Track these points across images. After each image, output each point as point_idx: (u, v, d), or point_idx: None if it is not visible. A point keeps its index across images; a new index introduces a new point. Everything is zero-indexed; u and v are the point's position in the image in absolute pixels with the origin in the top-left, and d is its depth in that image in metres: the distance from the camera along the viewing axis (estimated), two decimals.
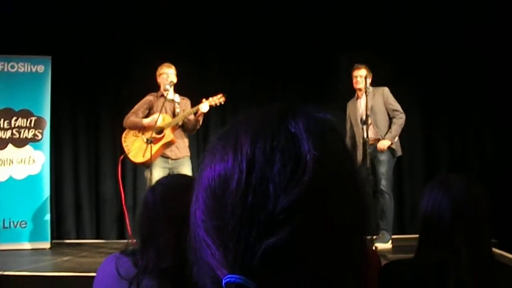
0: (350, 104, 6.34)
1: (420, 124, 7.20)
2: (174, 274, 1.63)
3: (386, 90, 6.10)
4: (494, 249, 1.95)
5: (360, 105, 6.10)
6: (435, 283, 1.80)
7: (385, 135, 5.94)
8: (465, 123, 7.27)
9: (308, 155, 0.68)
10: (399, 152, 6.07)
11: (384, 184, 5.86)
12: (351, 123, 6.21)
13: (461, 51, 7.03)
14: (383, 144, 5.88)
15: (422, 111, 7.20)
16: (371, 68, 6.12)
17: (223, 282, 0.66)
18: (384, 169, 5.90)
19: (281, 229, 0.65)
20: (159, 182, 1.88)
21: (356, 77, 6.13)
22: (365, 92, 5.94)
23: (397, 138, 5.99)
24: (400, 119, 5.98)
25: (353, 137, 6.12)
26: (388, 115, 6.03)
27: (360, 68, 6.11)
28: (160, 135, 5.74)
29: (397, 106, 6.03)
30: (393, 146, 5.93)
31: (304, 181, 0.66)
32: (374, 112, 5.98)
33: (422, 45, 7.09)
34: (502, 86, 6.94)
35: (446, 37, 7.04)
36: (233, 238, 0.66)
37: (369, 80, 6.07)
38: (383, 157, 5.92)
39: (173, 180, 1.88)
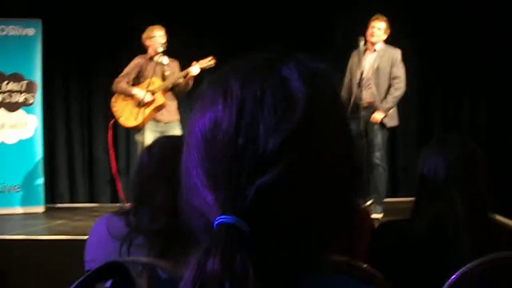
0: (354, 55, 5.69)
1: (414, 91, 7.15)
2: (166, 235, 1.64)
3: (398, 52, 5.55)
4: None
5: (366, 62, 5.51)
6: (431, 240, 1.81)
7: (380, 104, 5.46)
8: (459, 90, 7.26)
9: (299, 94, 0.67)
10: (394, 122, 5.64)
11: (378, 156, 5.51)
12: (350, 77, 5.67)
13: (455, 19, 6.98)
14: (376, 117, 5.43)
15: (417, 78, 7.13)
16: (390, 24, 5.59)
17: (215, 223, 0.65)
18: (377, 140, 5.50)
19: (272, 169, 0.64)
20: (156, 142, 1.88)
21: (374, 27, 5.51)
22: (374, 50, 5.53)
23: (395, 110, 5.58)
24: (398, 90, 5.47)
25: (350, 89, 5.59)
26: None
27: (380, 20, 5.51)
28: (151, 98, 5.72)
29: (401, 74, 5.51)
30: (385, 120, 5.49)
31: (295, 119, 0.66)
32: (377, 74, 5.51)
33: (419, 10, 7.03)
34: (496, 53, 6.92)
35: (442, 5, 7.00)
36: (224, 180, 0.66)
37: (384, 36, 5.56)
38: (376, 128, 5.48)
39: (170, 140, 1.88)
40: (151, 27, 5.87)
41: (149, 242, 1.67)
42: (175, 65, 5.93)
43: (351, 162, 0.73)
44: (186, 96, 6.04)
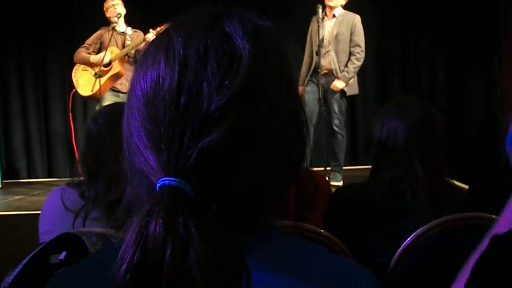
0: (314, 21, 5.52)
1: (373, 58, 7.18)
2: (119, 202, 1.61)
3: (357, 19, 5.44)
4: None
5: (325, 28, 5.40)
6: (389, 202, 1.83)
7: (341, 73, 5.39)
8: (418, 56, 7.32)
9: (243, 52, 0.65)
10: (354, 91, 5.59)
11: (336, 123, 5.46)
12: (311, 43, 5.57)
13: None
14: (337, 86, 5.35)
15: (376, 44, 7.14)
16: None
17: (157, 185, 0.63)
18: (336, 108, 5.43)
19: (216, 129, 0.63)
20: (100, 111, 1.83)
21: None
22: (334, 15, 5.42)
23: (355, 78, 5.54)
24: (359, 60, 5.40)
25: (311, 55, 5.51)
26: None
27: None
28: (108, 67, 5.66)
29: (361, 42, 5.42)
30: (345, 89, 5.42)
31: (239, 77, 0.64)
32: (337, 41, 5.40)
33: None
34: (453, 16, 6.99)
35: None
36: (166, 140, 0.64)
37: (343, 1, 5.45)
38: (336, 96, 5.42)
39: (115, 107, 1.83)
40: None
41: (106, 214, 1.64)
42: (139, 35, 5.85)
43: (296, 122, 0.72)
44: None
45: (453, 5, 6.93)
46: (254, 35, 0.68)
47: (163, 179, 0.63)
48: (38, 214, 1.80)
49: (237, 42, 0.66)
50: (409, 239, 1.66)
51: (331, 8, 5.44)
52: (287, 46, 0.74)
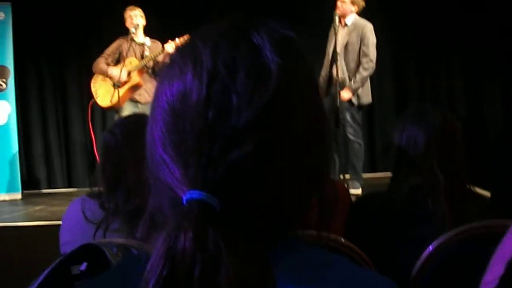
0: (332, 31, 5.44)
1: (390, 65, 7.16)
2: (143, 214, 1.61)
3: (367, 27, 5.35)
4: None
5: (339, 37, 5.30)
6: (410, 211, 1.82)
7: (349, 83, 5.34)
8: (434, 62, 7.28)
9: (272, 64, 0.65)
10: (368, 100, 5.52)
11: (351, 131, 5.42)
12: (328, 50, 5.52)
13: None
14: (344, 96, 5.27)
15: (392, 52, 7.12)
16: None
17: (184, 199, 0.62)
18: (347, 117, 5.39)
19: (245, 142, 0.62)
20: (117, 123, 1.85)
21: (337, 1, 5.34)
22: (346, 24, 5.35)
23: (368, 84, 5.47)
24: (367, 70, 5.33)
25: (327, 65, 5.49)
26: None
27: None
28: (127, 78, 5.68)
29: (371, 52, 5.33)
30: (353, 99, 5.38)
31: (269, 91, 0.63)
32: (347, 50, 5.36)
33: None
34: (469, 21, 6.94)
35: None
36: (194, 154, 0.63)
37: (354, 9, 5.36)
38: (345, 105, 5.36)
39: (132, 119, 1.85)
40: (128, 7, 5.82)
41: (127, 224, 1.65)
42: (157, 46, 5.86)
43: (320, 132, 0.72)
44: None
45: (470, 11, 6.90)
46: (282, 47, 0.68)
47: (191, 192, 0.62)
48: (59, 224, 1.81)
49: (266, 54, 0.66)
50: (430, 247, 1.65)
51: (341, 17, 5.37)
52: (310, 56, 0.74)
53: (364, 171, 5.84)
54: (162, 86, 0.69)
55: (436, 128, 1.85)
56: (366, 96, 5.51)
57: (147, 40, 5.87)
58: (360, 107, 5.54)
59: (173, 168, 0.65)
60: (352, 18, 5.43)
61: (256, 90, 0.63)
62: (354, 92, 5.36)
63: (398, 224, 1.83)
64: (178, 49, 0.72)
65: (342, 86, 5.34)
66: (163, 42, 5.73)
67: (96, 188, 1.81)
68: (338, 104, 5.16)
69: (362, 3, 5.42)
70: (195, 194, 0.62)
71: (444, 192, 1.78)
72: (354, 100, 5.41)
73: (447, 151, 1.85)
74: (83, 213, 1.68)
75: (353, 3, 5.35)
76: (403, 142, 1.88)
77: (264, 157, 0.64)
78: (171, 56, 0.71)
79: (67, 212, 1.80)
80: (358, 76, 5.35)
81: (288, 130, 0.66)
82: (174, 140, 0.66)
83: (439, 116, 1.88)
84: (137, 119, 1.80)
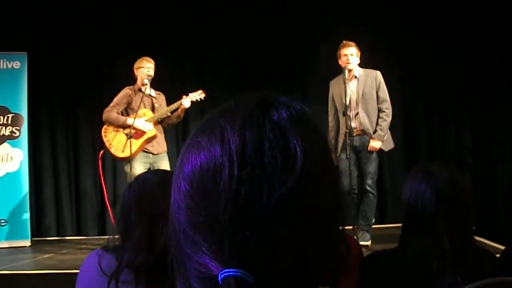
0: (334, 85, 5.68)
1: (398, 113, 7.20)
2: (149, 270, 1.65)
3: (379, 75, 5.49)
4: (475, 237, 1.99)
5: (350, 90, 5.42)
6: (418, 272, 1.83)
7: (374, 133, 5.40)
8: (443, 112, 7.33)
9: (297, 146, 0.68)
10: (391, 145, 5.61)
11: (369, 183, 5.45)
12: (335, 107, 5.63)
13: (439, 39, 7.10)
14: (375, 146, 5.37)
15: (400, 98, 7.18)
16: (360, 47, 5.54)
17: (220, 277, 0.65)
18: (371, 168, 5.45)
19: (276, 221, 0.65)
20: (136, 178, 1.89)
21: (346, 55, 5.41)
22: (354, 76, 5.46)
23: (388, 132, 5.55)
24: (388, 116, 5.43)
25: (338, 122, 5.59)
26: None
27: (349, 46, 5.44)
28: (149, 128, 5.76)
29: (387, 97, 5.46)
30: (382, 147, 5.46)
31: (296, 172, 0.67)
32: (365, 100, 5.42)
33: (401, 32, 7.18)
34: (478, 76, 7.02)
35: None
36: (228, 233, 0.66)
37: (357, 60, 5.49)
38: (372, 156, 5.45)
39: (150, 176, 1.88)
40: (141, 58, 5.92)
41: (135, 277, 1.68)
42: (162, 97, 6.03)
43: (338, 197, 0.75)
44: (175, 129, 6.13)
45: (474, 61, 7.00)
46: (303, 125, 0.72)
47: (227, 271, 0.65)
48: (68, 273, 1.83)
49: (289, 136, 0.69)
50: None
51: (351, 70, 5.46)
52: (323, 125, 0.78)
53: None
54: (188, 164, 0.72)
55: (445, 190, 1.87)
56: (389, 143, 5.59)
57: (152, 91, 5.98)
58: (380, 155, 5.62)
59: (206, 247, 0.68)
60: (357, 70, 5.53)
61: (284, 171, 0.67)
62: (383, 140, 5.42)
63: (408, 281, 1.83)
64: (202, 128, 0.74)
65: (367, 136, 5.43)
66: (170, 95, 5.90)
67: (110, 238, 1.85)
68: (357, 155, 5.34)
69: (360, 53, 5.52)
70: (231, 272, 0.65)
71: (451, 257, 1.79)
72: (383, 146, 5.47)
73: (456, 213, 1.86)
74: (100, 267, 1.70)
75: (357, 55, 5.48)
76: (412, 199, 1.90)
77: (293, 231, 0.67)
78: (195, 134, 0.74)
79: (83, 266, 1.82)
80: (383, 124, 5.42)
81: (314, 204, 0.70)
82: (206, 220, 0.68)
83: (447, 174, 1.91)
84: (155, 178, 1.84)
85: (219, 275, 0.65)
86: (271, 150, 0.67)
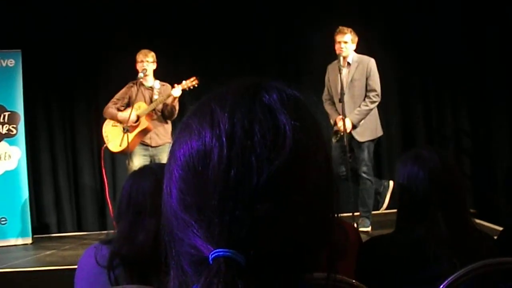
0: (330, 70, 5.62)
1: (394, 99, 7.20)
2: (137, 263, 1.69)
3: (372, 62, 5.44)
4: (474, 219, 2.00)
5: (343, 76, 5.34)
6: (415, 257, 1.84)
7: (352, 114, 5.34)
8: (440, 97, 7.33)
9: (286, 126, 0.69)
10: (380, 132, 5.62)
11: (365, 170, 5.43)
12: (329, 89, 5.61)
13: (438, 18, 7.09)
14: (346, 125, 5.24)
15: (397, 87, 7.19)
16: (357, 32, 5.45)
17: (211, 257, 0.66)
18: (364, 155, 5.42)
19: (266, 200, 0.66)
20: (133, 171, 1.92)
21: (340, 43, 5.36)
22: (348, 63, 5.42)
23: (377, 120, 5.54)
24: (372, 103, 5.39)
25: (333, 104, 5.54)
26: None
27: (344, 33, 5.36)
28: (136, 123, 5.73)
29: (377, 86, 5.40)
30: (371, 134, 5.46)
31: (286, 151, 0.68)
32: (352, 86, 5.40)
33: (397, 18, 7.16)
34: (475, 59, 7.00)
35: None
36: (218, 213, 0.66)
37: (353, 47, 5.44)
38: (364, 144, 5.43)
39: (146, 170, 1.90)
40: (142, 51, 5.88)
41: (126, 270, 1.70)
42: (167, 88, 5.91)
43: (331, 182, 0.76)
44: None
45: (470, 43, 6.99)
46: (293, 107, 0.72)
47: (217, 251, 0.65)
48: (69, 269, 1.85)
49: (279, 116, 0.70)
50: (441, 286, 1.66)
51: (345, 57, 5.44)
52: (317, 110, 0.78)
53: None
54: (180, 147, 0.73)
55: (436, 169, 1.88)
56: (377, 130, 5.59)
57: (157, 83, 5.91)
58: (373, 141, 5.60)
59: (197, 228, 0.68)
60: (352, 56, 5.50)
61: (273, 150, 0.67)
62: (357, 123, 5.37)
63: (406, 266, 1.84)
64: (193, 112, 0.75)
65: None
66: (171, 84, 5.83)
67: (109, 233, 1.89)
68: (350, 142, 5.29)
69: (357, 39, 5.49)
70: (222, 252, 0.65)
71: (446, 241, 1.80)
72: (372, 134, 5.47)
73: (449, 197, 1.87)
74: (97, 260, 1.71)
75: (353, 41, 5.44)
76: (405, 184, 1.92)
77: (283, 212, 0.67)
78: (187, 118, 0.75)
79: (81, 261, 1.84)
80: (363, 107, 5.38)
81: (304, 184, 0.70)
82: (196, 201, 0.69)
83: (438, 158, 1.92)
84: (143, 175, 1.86)
85: (210, 255, 0.66)
86: (261, 131, 0.68)
